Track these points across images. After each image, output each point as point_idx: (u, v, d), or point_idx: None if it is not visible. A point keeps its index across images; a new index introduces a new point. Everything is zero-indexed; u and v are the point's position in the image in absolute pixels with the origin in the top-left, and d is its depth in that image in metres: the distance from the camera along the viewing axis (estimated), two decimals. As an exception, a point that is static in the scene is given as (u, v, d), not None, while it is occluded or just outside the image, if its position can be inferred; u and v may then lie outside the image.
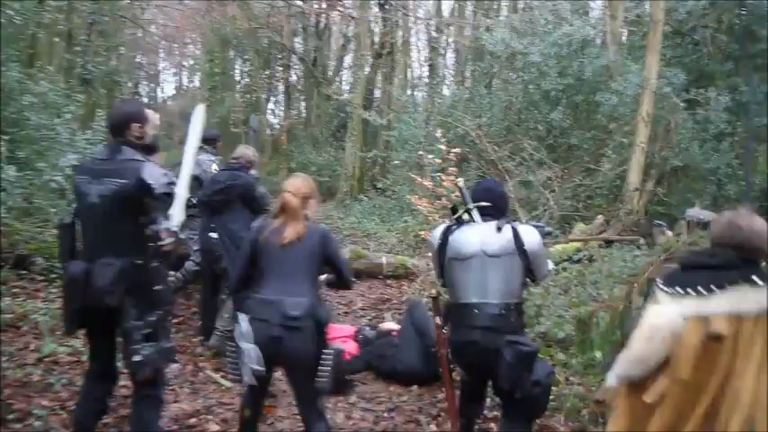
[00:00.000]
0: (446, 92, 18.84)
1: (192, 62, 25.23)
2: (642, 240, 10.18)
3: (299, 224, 3.00)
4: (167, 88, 32.81)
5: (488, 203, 3.13)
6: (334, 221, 12.64)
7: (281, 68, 21.41)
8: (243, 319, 2.83)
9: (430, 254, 3.46)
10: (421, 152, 9.51)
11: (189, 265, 5.71)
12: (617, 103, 11.21)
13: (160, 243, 2.82)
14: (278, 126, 22.97)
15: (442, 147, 8.18)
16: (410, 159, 11.98)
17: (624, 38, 14.07)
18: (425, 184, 7.84)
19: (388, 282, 8.07)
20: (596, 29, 13.11)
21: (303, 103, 23.51)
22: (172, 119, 25.63)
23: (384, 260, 8.28)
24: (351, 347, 5.14)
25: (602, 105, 11.48)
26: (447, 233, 3.12)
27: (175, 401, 4.19)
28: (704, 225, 3.96)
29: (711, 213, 4.11)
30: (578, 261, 8.07)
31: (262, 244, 3.01)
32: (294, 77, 23.43)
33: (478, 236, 3.03)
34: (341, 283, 3.29)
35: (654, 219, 11.50)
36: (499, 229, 3.02)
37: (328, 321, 3.07)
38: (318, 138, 19.54)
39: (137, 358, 2.81)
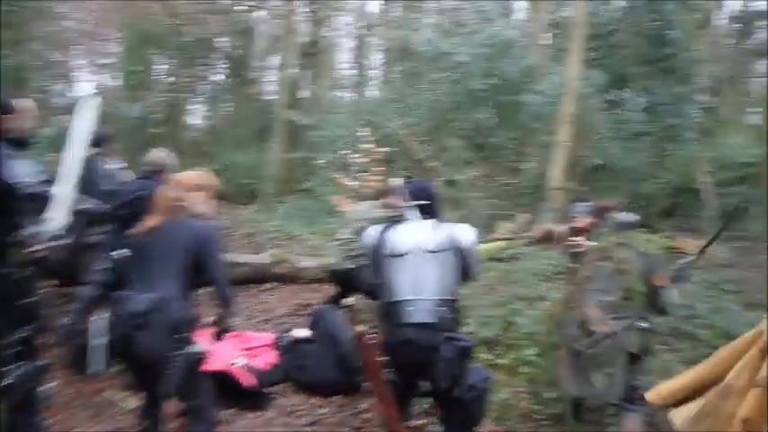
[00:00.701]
0: (375, 92, 18.72)
1: (108, 60, 24.00)
2: (566, 238, 10.34)
3: (159, 216, 2.74)
4: (86, 88, 31.12)
5: (426, 202, 3.14)
6: (258, 225, 12.19)
7: (205, 67, 20.60)
8: (101, 316, 2.67)
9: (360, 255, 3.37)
10: (345, 152, 9.26)
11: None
12: (540, 104, 11.36)
13: (30, 250, 2.43)
14: (200, 126, 22.14)
15: (367, 146, 7.95)
16: (336, 160, 11.70)
17: (548, 40, 14.31)
18: (349, 184, 7.58)
19: (312, 286, 7.72)
20: (520, 30, 13.23)
21: (229, 104, 22.79)
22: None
23: (307, 264, 7.94)
24: (270, 357, 4.80)
25: (526, 105, 11.59)
26: (383, 231, 3.09)
27: (72, 429, 3.78)
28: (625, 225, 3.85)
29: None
30: (503, 260, 8.04)
31: (132, 239, 2.79)
32: (219, 77, 22.67)
33: (415, 233, 3.04)
34: (217, 295, 2.96)
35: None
36: (436, 226, 3.05)
37: (188, 319, 2.82)
38: (243, 139, 18.93)
39: (6, 381, 2.43)
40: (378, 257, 3.05)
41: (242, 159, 17.68)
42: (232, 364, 4.36)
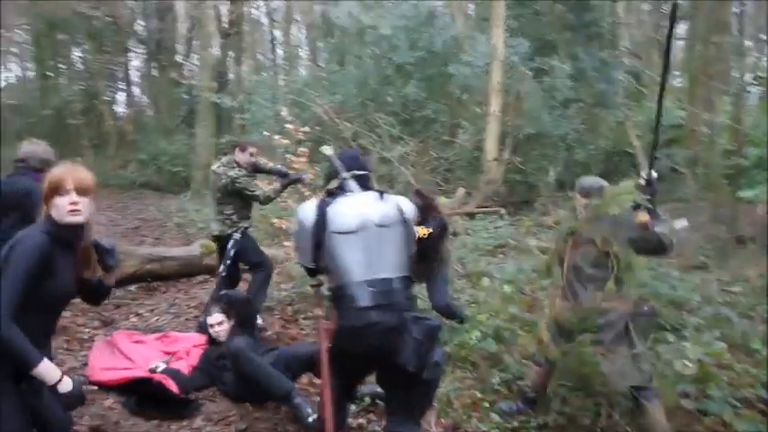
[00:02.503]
0: (302, 71, 18.11)
1: (15, 50, 22.35)
2: (503, 210, 10.20)
3: None
4: (-2, 79, 28.98)
5: (362, 172, 2.79)
6: (188, 214, 11.54)
7: (120, 52, 19.45)
8: None
9: (293, 239, 2.89)
10: (267, 133, 8.73)
11: None
12: (468, 74, 11.13)
13: None
14: (123, 115, 20.99)
15: (290, 126, 7.45)
16: (264, 142, 11.14)
17: (470, 9, 14.05)
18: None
19: (244, 276, 7.23)
20: (443, 1, 12.91)
21: (155, 90, 21.67)
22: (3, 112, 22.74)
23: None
24: (194, 359, 4.30)
25: (454, 77, 11.33)
26: (323, 207, 2.65)
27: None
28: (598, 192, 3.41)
29: (597, 180, 3.56)
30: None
31: None
32: (137, 62, 21.53)
33: (361, 206, 2.65)
34: None
35: (513, 187, 11.65)
36: (381, 196, 2.70)
37: None
38: (168, 125, 18.02)
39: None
40: (320, 236, 2.63)
41: (169, 147, 16.85)
42: (152, 369, 3.92)
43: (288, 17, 19.63)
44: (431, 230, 4.65)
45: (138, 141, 18.00)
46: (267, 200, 5.12)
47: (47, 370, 2.13)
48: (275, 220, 7.57)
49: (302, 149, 7.09)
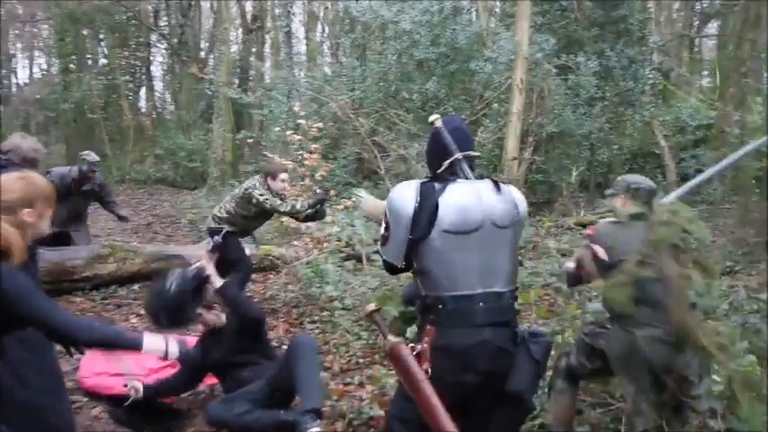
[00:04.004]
0: (323, 67, 17.92)
1: (41, 43, 22.56)
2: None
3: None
4: (23, 74, 29.37)
5: (475, 153, 2.23)
6: (202, 211, 11.44)
7: (142, 47, 19.47)
8: None
9: (385, 225, 2.15)
10: (279, 129, 8.56)
11: None
12: (491, 71, 10.84)
13: None
14: (143, 110, 21.05)
15: (303, 122, 7.25)
16: (281, 138, 10.99)
17: (496, 5, 13.74)
18: (286, 163, 6.90)
19: (253, 276, 7.06)
20: (467, -3, 12.65)
21: (176, 85, 21.72)
22: (28, 107, 22.97)
23: (247, 251, 7.22)
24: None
25: (476, 73, 11.06)
26: (431, 194, 2.07)
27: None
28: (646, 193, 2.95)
29: (645, 179, 3.10)
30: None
31: None
32: (159, 58, 21.58)
33: (479, 198, 2.09)
34: None
35: (533, 187, 11.33)
36: (498, 188, 2.13)
37: None
38: (187, 121, 17.99)
39: None
40: (423, 232, 2.07)
41: (186, 142, 16.85)
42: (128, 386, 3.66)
43: (310, 12, 19.48)
44: None
45: (157, 136, 18.04)
46: (293, 211, 5.14)
47: (152, 343, 2.30)
48: (284, 219, 7.38)
49: (315, 146, 6.89)
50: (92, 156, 6.05)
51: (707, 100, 13.18)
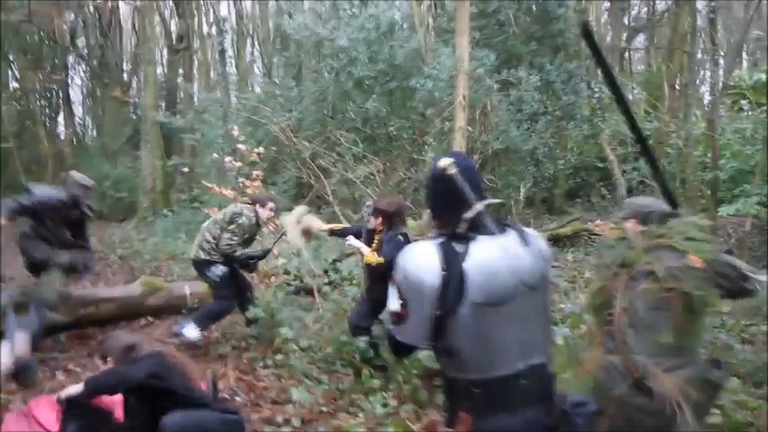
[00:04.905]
0: (257, 88, 17.51)
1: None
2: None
3: None
4: None
5: (496, 200, 1.97)
6: (133, 244, 10.77)
7: (57, 70, 18.46)
8: None
9: (399, 300, 1.81)
10: (216, 155, 8.14)
11: None
12: (432, 88, 10.71)
13: None
14: (62, 137, 19.93)
15: (242, 147, 6.86)
16: (216, 164, 10.51)
17: (431, 21, 13.72)
18: (225, 192, 6.48)
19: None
20: (402, 11, 12.55)
21: (98, 110, 20.72)
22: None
23: (187, 290, 6.68)
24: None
25: (417, 91, 10.90)
26: (453, 259, 1.77)
27: None
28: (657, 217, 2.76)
29: (655, 202, 2.91)
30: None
31: None
32: (78, 81, 20.56)
33: (507, 258, 1.80)
34: None
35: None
36: (524, 239, 1.85)
37: None
38: (111, 147, 17.11)
39: None
40: (451, 306, 1.77)
41: (112, 171, 16.00)
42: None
43: (240, 30, 19.05)
44: (381, 259, 4.40)
45: (79, 165, 17.03)
46: (241, 258, 5.22)
47: None
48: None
49: (257, 172, 6.51)
50: (86, 179, 5.38)
51: (639, 112, 13.56)
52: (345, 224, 5.81)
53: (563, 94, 11.29)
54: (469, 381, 1.81)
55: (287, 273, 6.43)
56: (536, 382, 1.83)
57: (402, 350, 1.93)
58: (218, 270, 5.14)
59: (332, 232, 5.30)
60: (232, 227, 5.14)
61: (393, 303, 1.83)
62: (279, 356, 4.94)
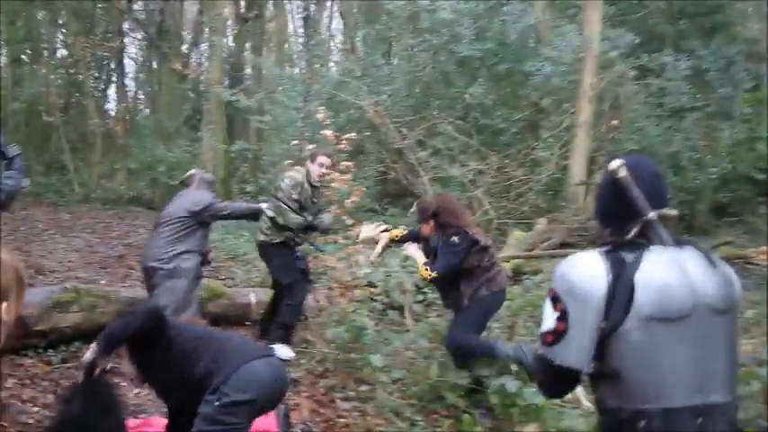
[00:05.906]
0: (335, 65, 17.76)
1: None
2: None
3: None
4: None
5: (674, 212, 2.03)
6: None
7: (112, 37, 19.35)
8: None
9: (557, 313, 1.92)
10: (295, 142, 8.24)
11: None
12: (550, 73, 10.65)
13: None
14: (112, 113, 20.89)
15: (327, 133, 6.89)
16: (289, 152, 10.67)
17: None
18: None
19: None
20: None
21: (154, 84, 21.65)
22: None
23: (252, 298, 6.81)
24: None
25: (532, 76, 10.85)
26: (622, 269, 1.87)
27: None
28: None
29: None
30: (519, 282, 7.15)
31: None
32: (133, 50, 21.45)
33: (684, 273, 1.89)
34: None
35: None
36: (711, 261, 1.93)
37: None
38: (167, 127, 17.76)
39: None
40: (617, 320, 1.86)
41: (167, 154, 16.55)
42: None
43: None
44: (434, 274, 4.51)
45: (130, 146, 17.78)
46: (298, 226, 5.49)
47: None
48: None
49: (347, 163, 6.52)
50: None
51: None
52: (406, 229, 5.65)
53: (718, 87, 10.92)
54: (635, 412, 1.87)
55: (372, 285, 6.36)
56: (716, 425, 1.85)
57: (557, 384, 2.02)
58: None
59: (394, 240, 5.27)
60: (279, 194, 5.42)
61: (548, 321, 1.91)
62: (363, 387, 4.90)
